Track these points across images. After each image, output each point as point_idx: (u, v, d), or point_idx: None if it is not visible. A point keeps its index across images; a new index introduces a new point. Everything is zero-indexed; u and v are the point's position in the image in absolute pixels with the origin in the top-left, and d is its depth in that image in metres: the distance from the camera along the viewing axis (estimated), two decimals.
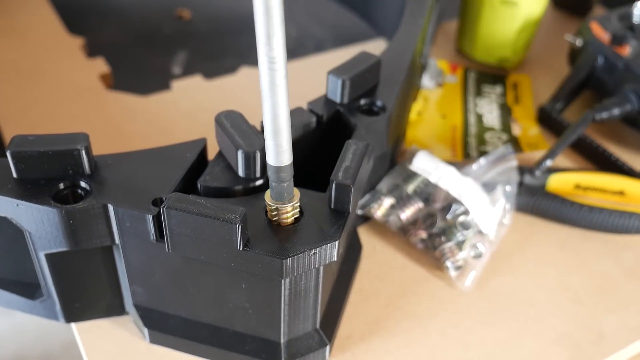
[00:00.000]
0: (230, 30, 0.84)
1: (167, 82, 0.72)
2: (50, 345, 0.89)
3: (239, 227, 0.35)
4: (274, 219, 0.38)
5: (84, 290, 0.45)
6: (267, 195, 0.38)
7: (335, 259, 0.38)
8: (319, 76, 0.54)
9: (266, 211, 0.38)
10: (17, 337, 0.89)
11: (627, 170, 0.62)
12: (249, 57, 0.79)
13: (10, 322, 0.90)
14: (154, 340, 0.46)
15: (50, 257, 0.42)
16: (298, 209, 0.38)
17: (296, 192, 0.38)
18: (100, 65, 0.72)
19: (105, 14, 0.85)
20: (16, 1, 0.82)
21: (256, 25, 0.29)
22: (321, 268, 0.40)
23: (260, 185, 0.42)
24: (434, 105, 0.72)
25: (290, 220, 0.38)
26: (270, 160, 0.34)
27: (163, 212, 0.36)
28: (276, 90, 0.31)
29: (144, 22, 0.84)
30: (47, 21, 0.79)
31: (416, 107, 0.70)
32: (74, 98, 0.68)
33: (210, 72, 0.74)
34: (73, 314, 0.46)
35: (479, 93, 0.74)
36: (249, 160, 0.41)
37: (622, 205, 0.59)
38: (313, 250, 0.37)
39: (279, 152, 0.34)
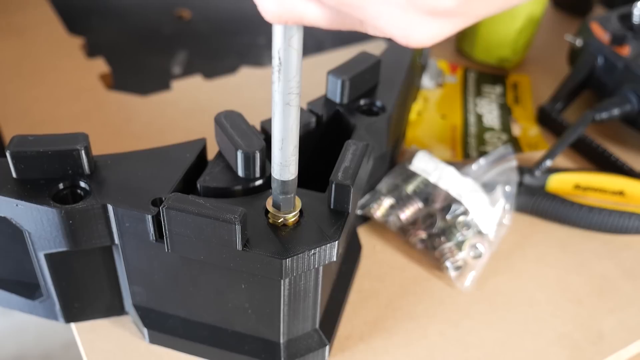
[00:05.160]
0: (230, 30, 0.84)
1: (167, 82, 0.72)
2: (50, 345, 0.89)
3: (238, 227, 0.35)
4: (274, 221, 0.38)
5: (84, 291, 0.45)
6: (269, 203, 0.38)
7: (335, 259, 0.38)
8: (319, 76, 0.54)
9: (266, 211, 0.39)
10: (17, 337, 0.89)
11: (626, 170, 0.62)
12: (249, 57, 0.79)
13: (10, 322, 0.90)
14: (153, 340, 0.46)
15: (49, 257, 0.42)
16: (298, 214, 0.38)
17: (297, 201, 0.38)
18: (100, 65, 0.72)
19: (105, 14, 0.85)
20: (16, 1, 0.82)
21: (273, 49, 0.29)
22: (320, 268, 0.40)
23: (259, 186, 0.42)
24: (433, 105, 0.72)
25: (290, 222, 0.38)
26: (276, 174, 0.35)
27: (162, 212, 0.36)
28: (290, 111, 0.31)
29: (144, 22, 0.84)
30: (47, 21, 0.79)
31: (416, 107, 0.70)
32: (74, 98, 0.68)
33: (210, 72, 0.74)
34: (72, 314, 0.46)
35: (478, 93, 0.74)
36: (249, 161, 0.41)
37: (622, 205, 0.59)
38: (312, 251, 0.37)
39: (286, 166, 0.34)
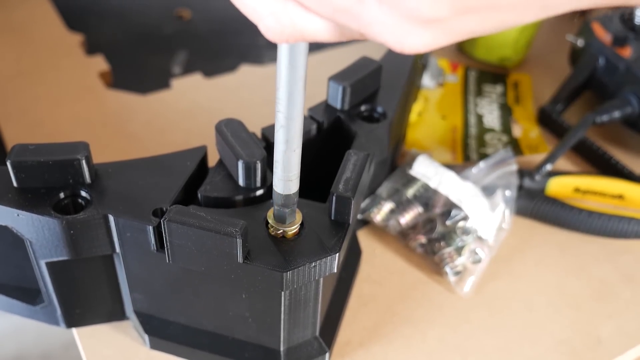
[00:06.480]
0: (230, 30, 0.83)
1: (167, 81, 0.71)
2: (50, 346, 0.89)
3: (239, 241, 0.35)
4: (274, 233, 0.38)
5: (85, 297, 0.45)
6: (270, 215, 0.38)
7: (335, 271, 0.38)
8: (319, 75, 0.53)
9: (267, 223, 0.39)
10: (17, 337, 0.90)
11: (626, 173, 0.62)
12: (248, 57, 0.78)
13: (10, 322, 0.91)
14: (154, 346, 0.46)
15: (51, 266, 0.42)
16: (299, 227, 0.38)
17: (298, 214, 0.38)
18: (99, 63, 0.72)
19: (105, 13, 0.85)
20: None
21: (277, 72, 0.29)
22: (321, 279, 0.40)
23: (261, 195, 0.42)
24: (434, 105, 0.72)
25: (290, 234, 0.38)
26: (278, 188, 0.35)
27: (164, 224, 0.36)
28: (292, 125, 0.31)
29: (144, 21, 0.83)
30: (47, 18, 0.79)
31: (416, 108, 0.70)
32: (74, 96, 0.68)
33: (211, 72, 0.73)
34: (74, 319, 0.47)
35: (479, 93, 0.74)
36: (250, 171, 0.41)
37: (622, 209, 0.59)
38: (313, 263, 0.37)
39: (288, 181, 0.34)
